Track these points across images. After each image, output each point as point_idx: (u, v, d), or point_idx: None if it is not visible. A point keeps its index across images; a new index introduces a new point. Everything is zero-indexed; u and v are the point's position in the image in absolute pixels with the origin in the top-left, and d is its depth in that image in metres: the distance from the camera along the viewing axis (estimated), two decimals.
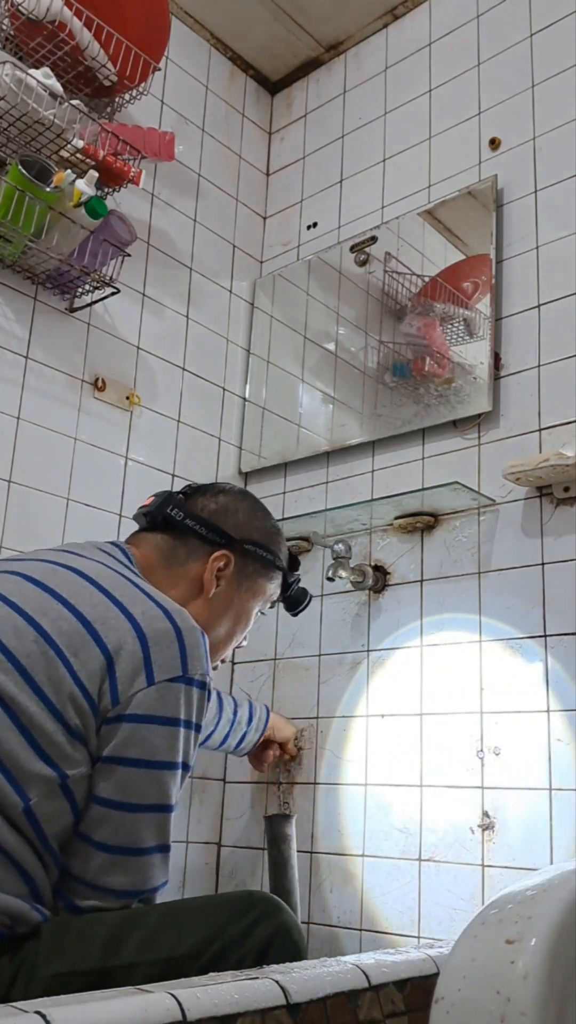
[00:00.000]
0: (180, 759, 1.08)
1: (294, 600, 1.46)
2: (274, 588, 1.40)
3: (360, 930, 1.77)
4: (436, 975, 0.91)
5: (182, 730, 1.07)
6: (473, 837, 1.65)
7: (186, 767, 1.11)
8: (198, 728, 1.11)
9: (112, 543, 1.28)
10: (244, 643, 1.44)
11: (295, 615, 1.50)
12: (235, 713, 1.78)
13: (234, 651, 1.44)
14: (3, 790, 0.97)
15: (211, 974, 0.94)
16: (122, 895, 1.05)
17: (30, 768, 0.99)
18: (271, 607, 1.44)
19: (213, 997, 0.78)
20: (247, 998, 0.80)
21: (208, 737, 1.73)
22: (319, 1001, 0.86)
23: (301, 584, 1.50)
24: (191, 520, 1.29)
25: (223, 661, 1.41)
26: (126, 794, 1.04)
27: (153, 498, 1.36)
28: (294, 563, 1.45)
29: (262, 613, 1.42)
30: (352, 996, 0.90)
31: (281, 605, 1.51)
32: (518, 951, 0.79)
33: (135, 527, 1.37)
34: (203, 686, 1.10)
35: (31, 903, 0.99)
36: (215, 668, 1.39)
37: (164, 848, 1.09)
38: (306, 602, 1.49)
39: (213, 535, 1.29)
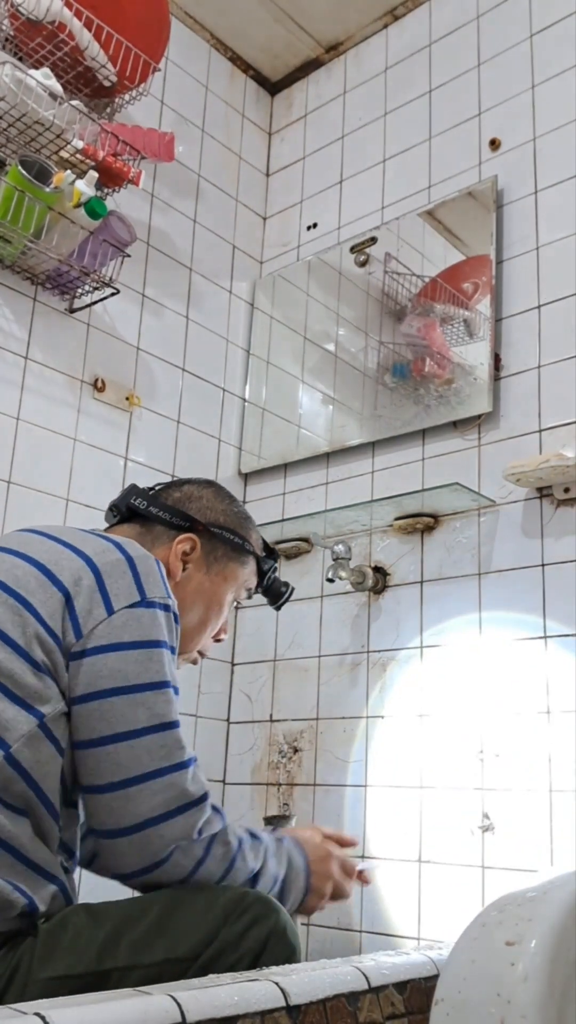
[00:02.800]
0: (161, 678, 1.06)
1: (274, 592, 1.42)
2: (247, 574, 1.36)
3: (360, 931, 1.76)
4: (436, 977, 0.90)
5: (153, 650, 1.06)
6: (473, 839, 1.65)
7: (174, 689, 1.08)
8: (172, 649, 1.10)
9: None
10: (223, 636, 1.39)
11: (277, 608, 1.45)
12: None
13: (215, 651, 1.40)
14: None
15: (211, 976, 0.94)
16: (160, 819, 1.02)
17: (4, 715, 0.98)
18: (248, 596, 1.40)
19: (213, 999, 0.78)
20: (247, 1000, 0.80)
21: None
22: (319, 1003, 0.86)
23: (289, 581, 1.46)
24: (155, 507, 1.30)
25: (201, 655, 1.37)
26: (114, 725, 1.02)
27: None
28: (269, 551, 1.42)
29: (237, 603, 1.39)
30: (352, 998, 0.89)
31: (266, 600, 1.46)
32: (518, 953, 0.79)
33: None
34: (166, 608, 1.10)
35: (13, 884, 0.96)
36: (193, 662, 1.37)
37: (180, 766, 1.05)
38: (287, 594, 1.44)
39: (178, 519, 1.30)
